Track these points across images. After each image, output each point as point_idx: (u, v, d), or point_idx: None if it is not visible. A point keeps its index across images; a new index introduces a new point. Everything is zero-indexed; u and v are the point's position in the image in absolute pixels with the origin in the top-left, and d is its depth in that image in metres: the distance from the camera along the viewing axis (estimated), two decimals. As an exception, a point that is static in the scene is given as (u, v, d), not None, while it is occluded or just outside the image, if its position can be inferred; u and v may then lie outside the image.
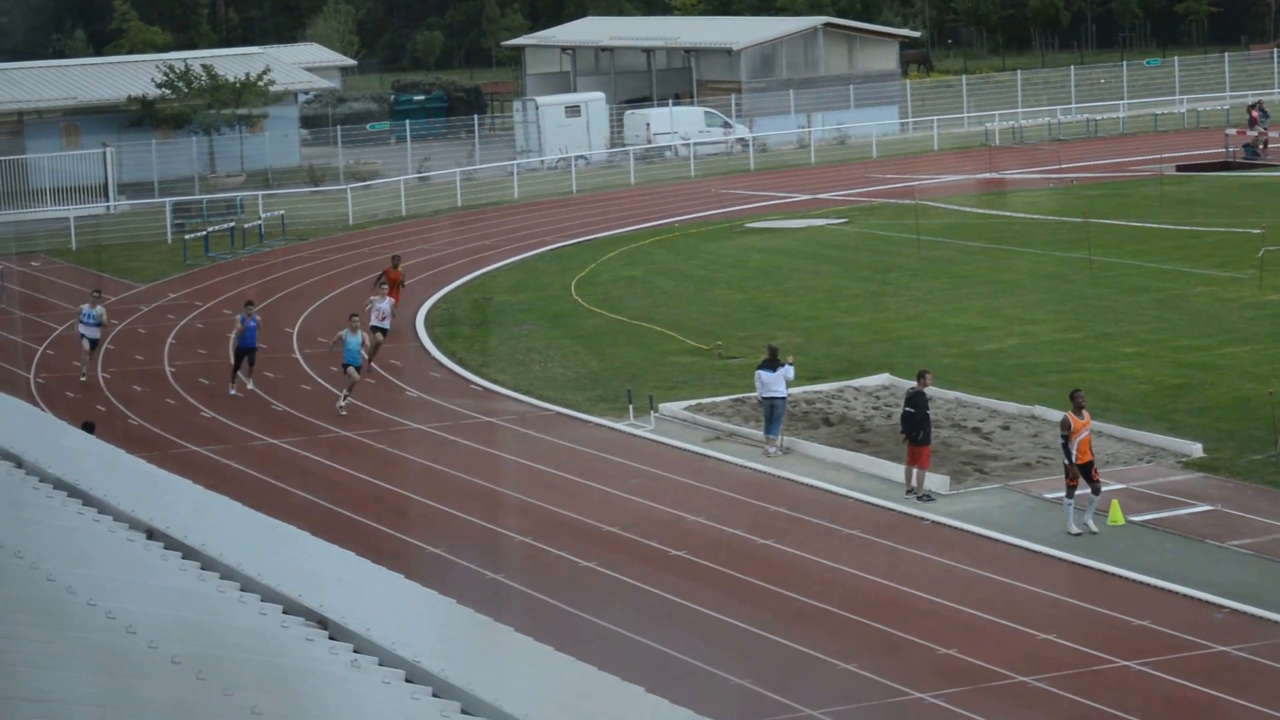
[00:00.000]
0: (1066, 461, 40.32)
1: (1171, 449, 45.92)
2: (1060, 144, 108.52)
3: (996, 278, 70.43)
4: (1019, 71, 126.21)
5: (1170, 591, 37.46)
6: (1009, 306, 64.42)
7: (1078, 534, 39.91)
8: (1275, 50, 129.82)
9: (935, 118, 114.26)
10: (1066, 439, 40.53)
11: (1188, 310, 62.20)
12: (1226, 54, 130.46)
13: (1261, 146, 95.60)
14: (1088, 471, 40.05)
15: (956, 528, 41.58)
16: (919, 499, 43.72)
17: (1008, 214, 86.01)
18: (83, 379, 50.80)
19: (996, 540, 40.77)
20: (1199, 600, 36.75)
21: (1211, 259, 70.85)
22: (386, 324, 54.63)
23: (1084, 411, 40.91)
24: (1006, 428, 49.03)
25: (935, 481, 44.18)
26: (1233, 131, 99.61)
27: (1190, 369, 53.94)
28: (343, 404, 48.24)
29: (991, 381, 53.44)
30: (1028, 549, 39.95)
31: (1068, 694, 32.94)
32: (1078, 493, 40.15)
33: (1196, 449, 45.43)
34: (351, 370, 47.76)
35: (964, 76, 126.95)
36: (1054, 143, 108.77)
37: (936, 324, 62.26)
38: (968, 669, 34.05)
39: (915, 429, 43.81)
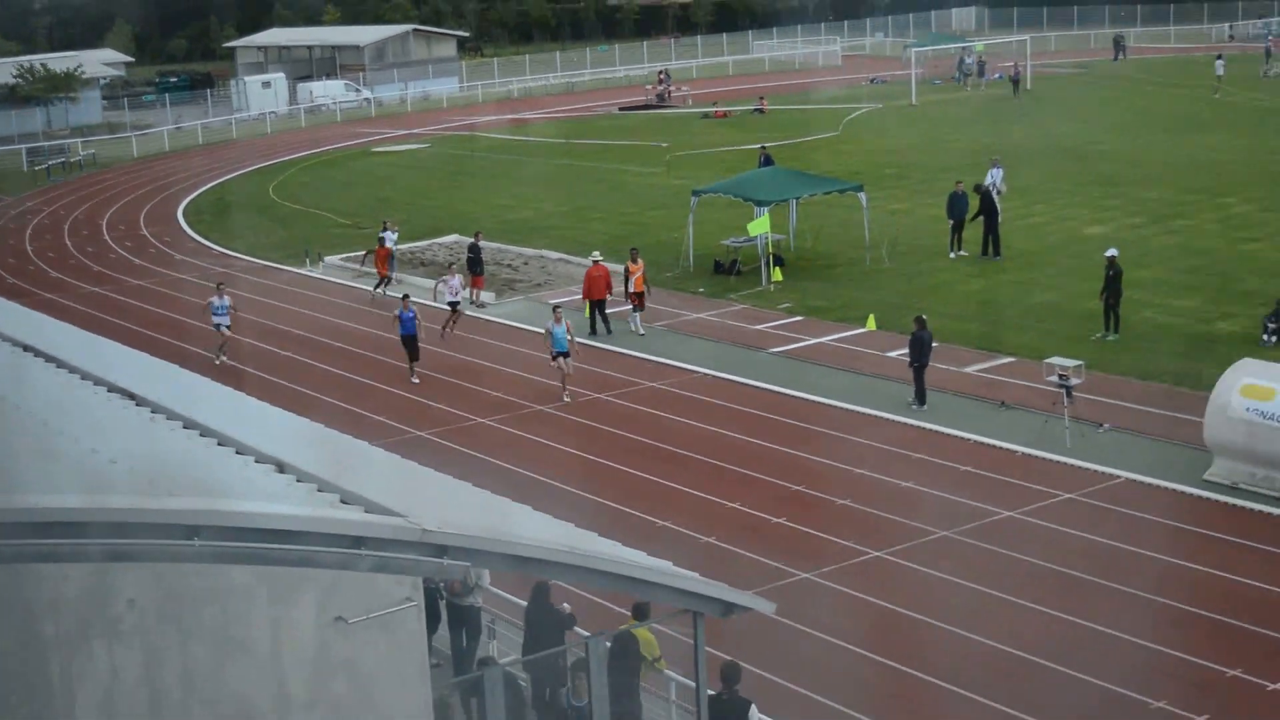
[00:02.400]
0: (629, 291, 39.91)
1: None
2: (552, 95, 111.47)
3: (518, 175, 71.43)
4: (527, 56, 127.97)
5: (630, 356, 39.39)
6: (526, 192, 65.66)
7: (640, 334, 39.66)
8: (673, 40, 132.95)
9: (480, 83, 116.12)
10: (625, 278, 40.05)
11: (627, 191, 64.33)
12: (645, 43, 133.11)
13: (666, 95, 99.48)
14: (640, 297, 39.83)
15: (500, 322, 42.74)
16: (477, 306, 44.08)
17: (525, 138, 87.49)
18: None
19: (520, 328, 41.55)
20: (659, 364, 38.48)
21: (640, 160, 72.14)
22: (459, 298, 41.32)
23: (638, 259, 40.06)
24: (526, 263, 50.67)
25: (487, 296, 45.08)
26: (649, 87, 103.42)
27: (631, 225, 55.58)
28: (566, 399, 34.44)
29: (517, 237, 54.55)
30: (537, 330, 39.07)
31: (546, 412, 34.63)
32: (633, 311, 39.84)
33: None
34: (563, 361, 34.20)
35: (495, 59, 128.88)
36: (551, 95, 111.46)
37: (484, 204, 63.28)
38: (508, 403, 35.24)
39: (476, 265, 44.58)
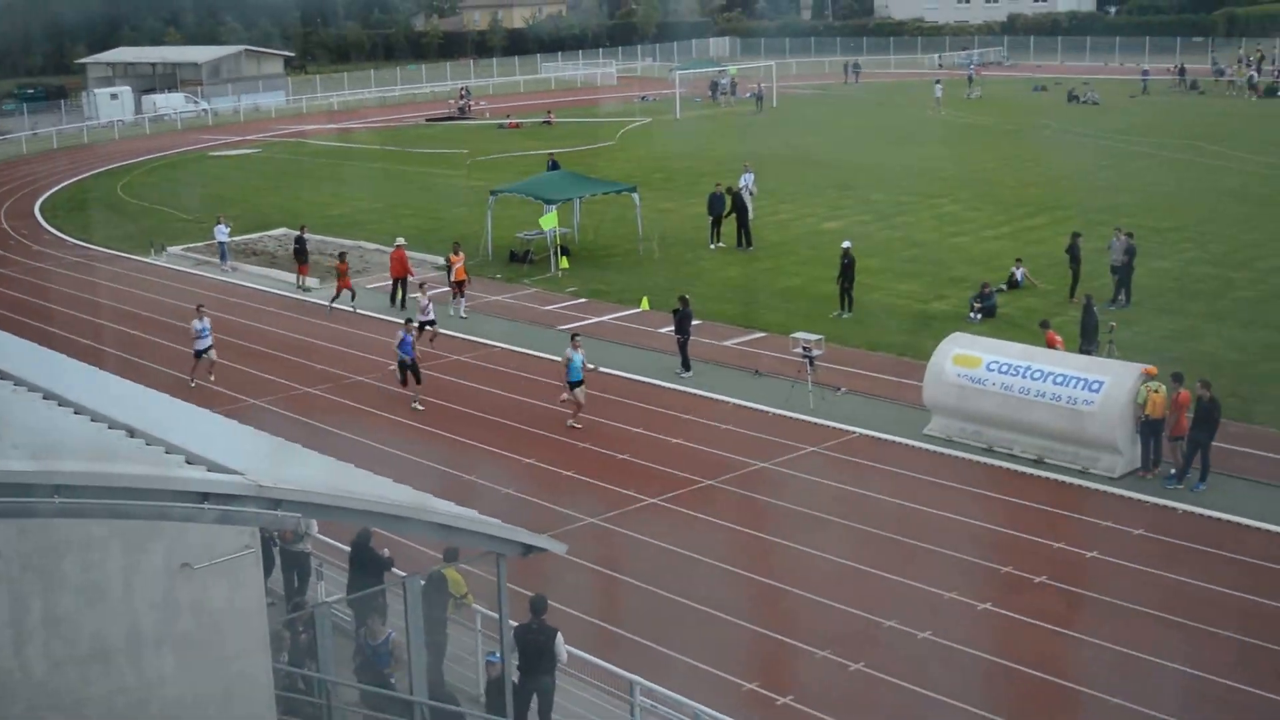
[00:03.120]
0: (451, 280, 39.28)
1: (431, 261, 45.52)
2: (368, 108, 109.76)
3: (338, 177, 69.55)
4: (345, 74, 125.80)
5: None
6: (346, 192, 64.08)
7: (463, 317, 38.70)
8: (472, 62, 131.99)
9: (304, 96, 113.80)
10: (448, 269, 39.71)
11: (434, 191, 63.15)
12: (448, 63, 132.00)
13: (466, 109, 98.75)
14: (460, 285, 39.21)
15: (319, 303, 41.54)
16: (303, 291, 43.61)
17: (345, 145, 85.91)
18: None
19: (349, 310, 40.57)
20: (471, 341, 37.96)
21: (444, 164, 71.20)
22: (432, 315, 36.04)
23: (459, 251, 39.57)
24: (346, 253, 48.84)
25: (312, 281, 43.98)
26: (452, 101, 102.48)
27: (437, 220, 54.80)
28: (574, 423, 29.64)
29: (338, 230, 53.25)
30: (369, 315, 40.38)
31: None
32: (455, 298, 39.12)
33: (440, 262, 44.17)
34: (578, 392, 29.41)
35: (317, 76, 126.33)
36: (366, 108, 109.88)
37: (309, 201, 61.35)
38: (333, 375, 35.43)
39: (301, 255, 43.66)
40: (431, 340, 35.53)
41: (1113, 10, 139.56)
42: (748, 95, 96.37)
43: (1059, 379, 26.89)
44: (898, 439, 28.51)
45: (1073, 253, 38.59)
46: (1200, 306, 37.74)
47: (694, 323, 33.57)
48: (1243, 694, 18.55)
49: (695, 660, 19.63)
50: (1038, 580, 21.93)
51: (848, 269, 37.72)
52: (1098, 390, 26.37)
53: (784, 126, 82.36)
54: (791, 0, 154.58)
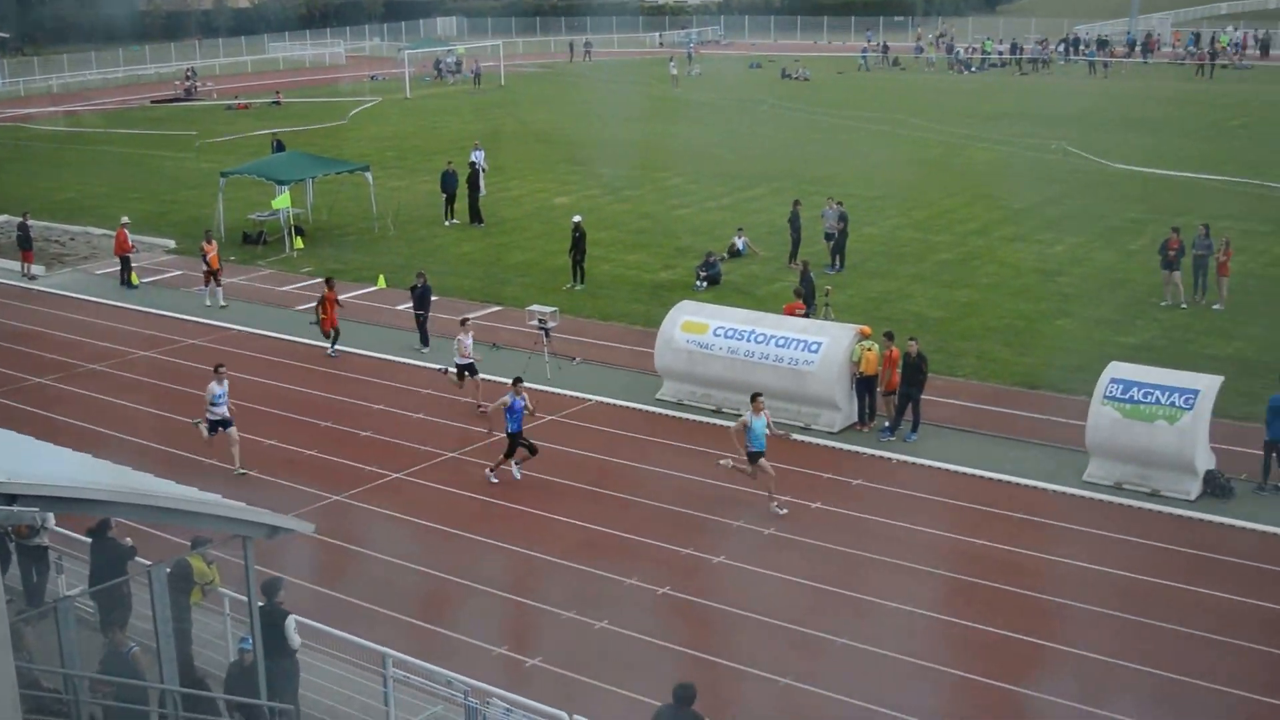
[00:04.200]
0: (205, 267, 37.06)
1: (160, 244, 44.79)
2: (90, 90, 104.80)
3: (63, 160, 65.27)
4: (65, 55, 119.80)
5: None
6: (71, 176, 60.16)
7: (223, 306, 36.89)
8: (197, 42, 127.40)
9: (22, 79, 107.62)
10: (203, 257, 37.03)
11: (163, 174, 60.16)
12: (173, 44, 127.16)
13: (193, 90, 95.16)
14: (215, 274, 37.02)
15: (52, 293, 40.02)
16: (28, 279, 41.24)
17: (69, 128, 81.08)
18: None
19: (71, 297, 39.68)
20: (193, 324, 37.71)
21: (172, 146, 67.41)
22: (471, 359, 28.85)
23: (212, 240, 37.53)
24: (73, 239, 46.93)
25: (38, 269, 41.66)
26: (178, 83, 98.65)
27: (167, 203, 52.53)
28: (778, 508, 23.21)
29: (64, 215, 50.46)
30: (102, 302, 39.07)
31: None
32: (212, 286, 37.08)
33: (171, 244, 44.95)
34: (764, 463, 23.15)
35: (35, 58, 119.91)
36: (89, 90, 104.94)
37: (32, 187, 56.88)
38: (64, 364, 34.14)
39: (25, 242, 40.89)
40: (474, 387, 28.86)
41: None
42: (468, 73, 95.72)
43: (781, 341, 27.66)
44: (632, 404, 28.91)
45: (793, 221, 39.68)
46: (907, 269, 39.22)
47: (433, 298, 33.32)
48: (959, 627, 19.51)
49: (448, 630, 19.61)
50: (767, 533, 22.58)
51: (579, 242, 37.99)
52: (816, 351, 27.21)
53: (513, 104, 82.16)
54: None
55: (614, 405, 28.96)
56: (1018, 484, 24.45)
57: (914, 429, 26.58)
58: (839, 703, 17.66)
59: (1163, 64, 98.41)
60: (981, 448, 26.04)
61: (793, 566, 21.42)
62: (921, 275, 38.54)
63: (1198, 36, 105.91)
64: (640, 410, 28.59)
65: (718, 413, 27.85)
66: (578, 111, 77.65)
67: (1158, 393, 23.97)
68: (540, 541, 22.44)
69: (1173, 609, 19.82)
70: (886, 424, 26.89)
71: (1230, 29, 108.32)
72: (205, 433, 25.80)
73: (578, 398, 29.33)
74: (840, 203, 39.57)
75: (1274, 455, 23.82)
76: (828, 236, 39.25)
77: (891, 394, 26.84)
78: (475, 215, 47.13)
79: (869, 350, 26.76)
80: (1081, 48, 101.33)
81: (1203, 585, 20.57)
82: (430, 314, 32.90)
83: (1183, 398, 23.79)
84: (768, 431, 23.27)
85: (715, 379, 27.91)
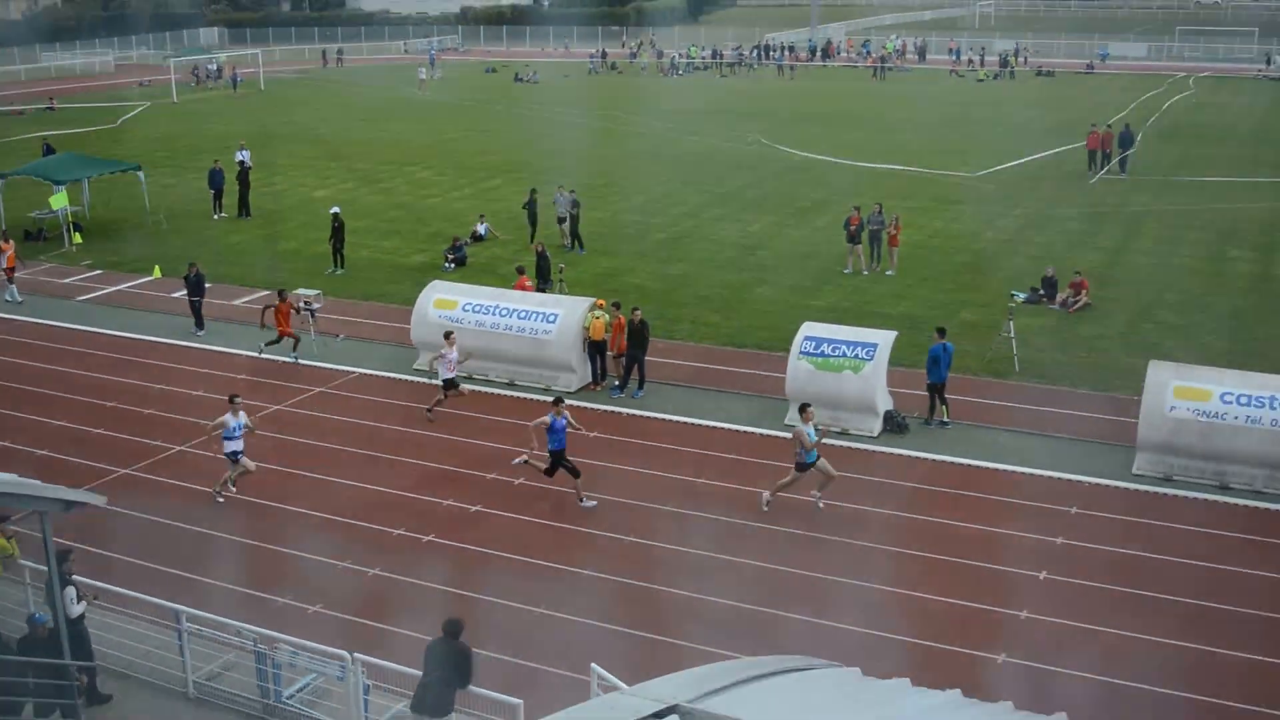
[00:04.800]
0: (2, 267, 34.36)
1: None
2: None
3: None
4: None
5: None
6: None
7: (19, 302, 34.20)
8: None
9: None
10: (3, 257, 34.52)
11: None
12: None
13: None
14: (12, 270, 34.69)
15: None
16: None
17: None
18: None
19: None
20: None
21: None
22: (455, 374, 25.81)
23: (9, 240, 35.41)
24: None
25: None
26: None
27: None
28: (819, 502, 21.42)
29: None
30: None
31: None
32: (8, 284, 34.55)
33: None
34: (822, 463, 21.06)
35: None
36: None
37: None
38: None
39: None
40: (441, 397, 25.77)
41: (546, 3, 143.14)
42: (229, 80, 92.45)
43: (522, 314, 27.79)
44: (391, 375, 28.60)
45: (530, 208, 39.72)
46: (629, 247, 39.72)
47: (206, 285, 32.26)
48: (669, 551, 19.97)
49: (235, 585, 19.17)
50: (517, 482, 22.63)
51: (338, 231, 37.30)
52: (554, 321, 27.42)
53: (273, 107, 79.60)
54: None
55: (377, 376, 28.60)
56: (731, 429, 25.14)
57: (640, 386, 27.06)
58: (580, 624, 17.96)
59: (839, 67, 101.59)
60: (700, 400, 26.67)
61: (541, 511, 21.62)
62: (642, 253, 39.10)
63: (868, 43, 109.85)
64: (401, 380, 28.32)
65: (469, 379, 27.68)
66: (333, 113, 75.73)
67: (844, 347, 24.99)
68: (318, 502, 22.02)
69: (859, 527, 20.73)
70: (616, 383, 27.31)
71: (894, 37, 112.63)
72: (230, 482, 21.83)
73: (344, 370, 28.86)
74: (572, 191, 39.74)
75: (936, 396, 25.11)
76: (560, 220, 39.44)
77: (620, 356, 27.25)
78: (243, 209, 45.70)
79: (597, 318, 27.10)
80: (771, 53, 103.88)
81: (887, 508, 21.57)
82: (204, 299, 31.86)
83: (865, 350, 24.86)
84: (817, 439, 20.92)
85: (467, 349, 27.75)
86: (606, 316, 27.26)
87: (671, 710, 7.28)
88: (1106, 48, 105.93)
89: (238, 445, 21.66)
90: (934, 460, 23.59)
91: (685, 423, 25.46)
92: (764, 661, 9.08)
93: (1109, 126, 53.37)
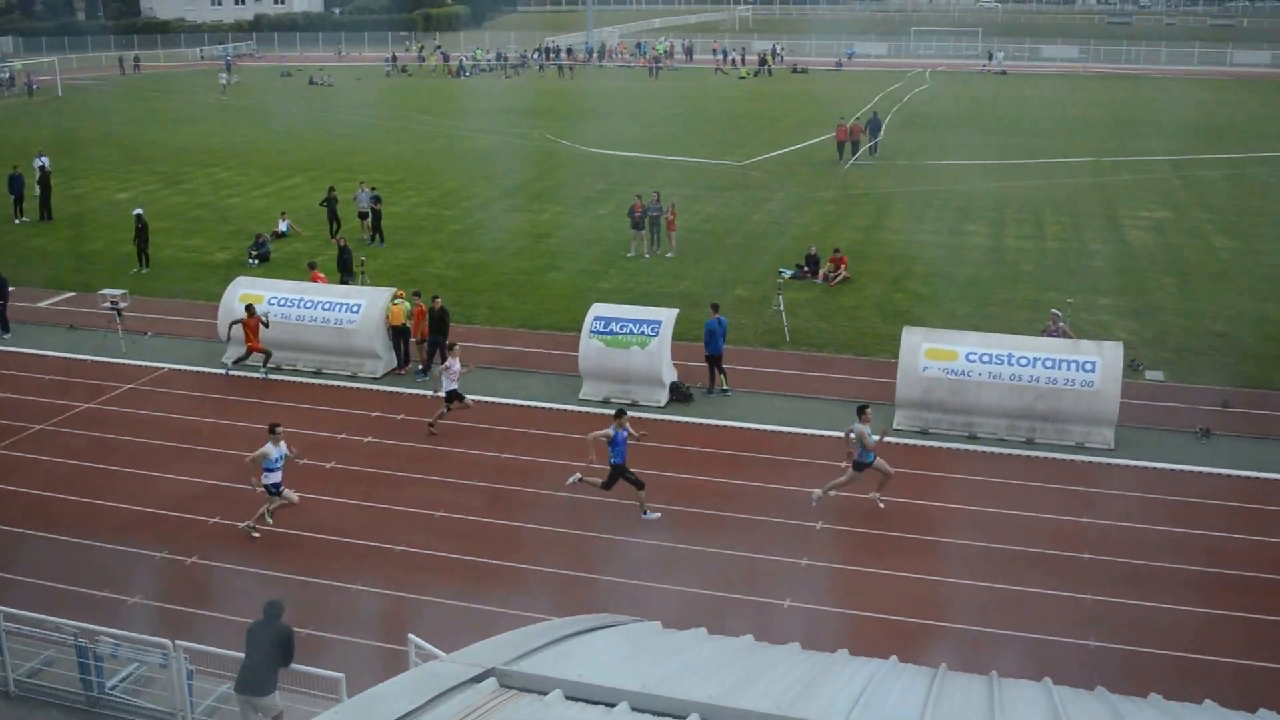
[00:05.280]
0: None
1: None
2: None
3: None
4: None
5: None
6: None
7: None
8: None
9: None
10: None
11: None
12: None
13: None
14: None
15: None
16: None
17: None
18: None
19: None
20: None
21: None
22: (456, 384, 23.34)
23: None
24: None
25: None
26: None
27: None
28: (879, 501, 20.04)
29: None
30: None
31: None
32: None
33: None
34: (880, 463, 19.66)
35: None
36: None
37: None
38: None
39: None
40: (441, 409, 23.46)
41: (338, 10, 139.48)
42: (25, 87, 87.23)
43: (326, 306, 27.05)
44: (200, 369, 27.46)
45: (329, 204, 38.68)
46: (426, 239, 39.08)
47: (10, 289, 30.38)
48: (483, 524, 19.64)
49: (53, 582, 18.01)
50: (329, 466, 21.97)
51: (142, 231, 35.64)
52: (358, 312, 26.76)
53: (73, 113, 75.41)
54: (66, 1, 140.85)
55: (184, 371, 27.38)
56: (531, 406, 24.95)
57: (425, 370, 26.65)
58: (397, 598, 17.56)
59: (616, 68, 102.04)
60: (500, 380, 26.36)
61: (352, 492, 21.04)
62: (439, 244, 38.51)
63: (641, 45, 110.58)
64: (211, 374, 27.18)
65: (279, 370, 26.84)
66: (133, 118, 72.27)
67: (631, 325, 25.07)
68: (134, 495, 20.94)
69: (652, 491, 20.83)
70: (420, 367, 26.80)
71: (663, 39, 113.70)
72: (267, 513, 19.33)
73: (152, 367, 27.54)
74: (373, 186, 38.94)
75: (715, 367, 25.45)
76: (362, 215, 38.57)
77: (423, 342, 26.74)
78: (45, 212, 43.14)
79: (395, 305, 26.59)
80: (552, 55, 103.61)
81: (677, 472, 21.76)
82: (8, 302, 29.98)
83: (650, 327, 24.99)
84: (877, 439, 19.62)
85: (273, 341, 26.89)
86: (407, 304, 26.74)
87: (489, 673, 7.14)
88: (853, 47, 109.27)
89: (278, 477, 18.87)
90: (717, 426, 23.91)
91: (488, 401, 25.11)
92: (575, 621, 9.02)
93: (857, 119, 55.04)
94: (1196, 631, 16.56)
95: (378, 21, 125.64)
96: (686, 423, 24.06)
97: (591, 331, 25.11)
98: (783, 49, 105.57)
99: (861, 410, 19.69)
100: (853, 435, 19.46)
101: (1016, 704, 7.58)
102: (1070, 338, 24.42)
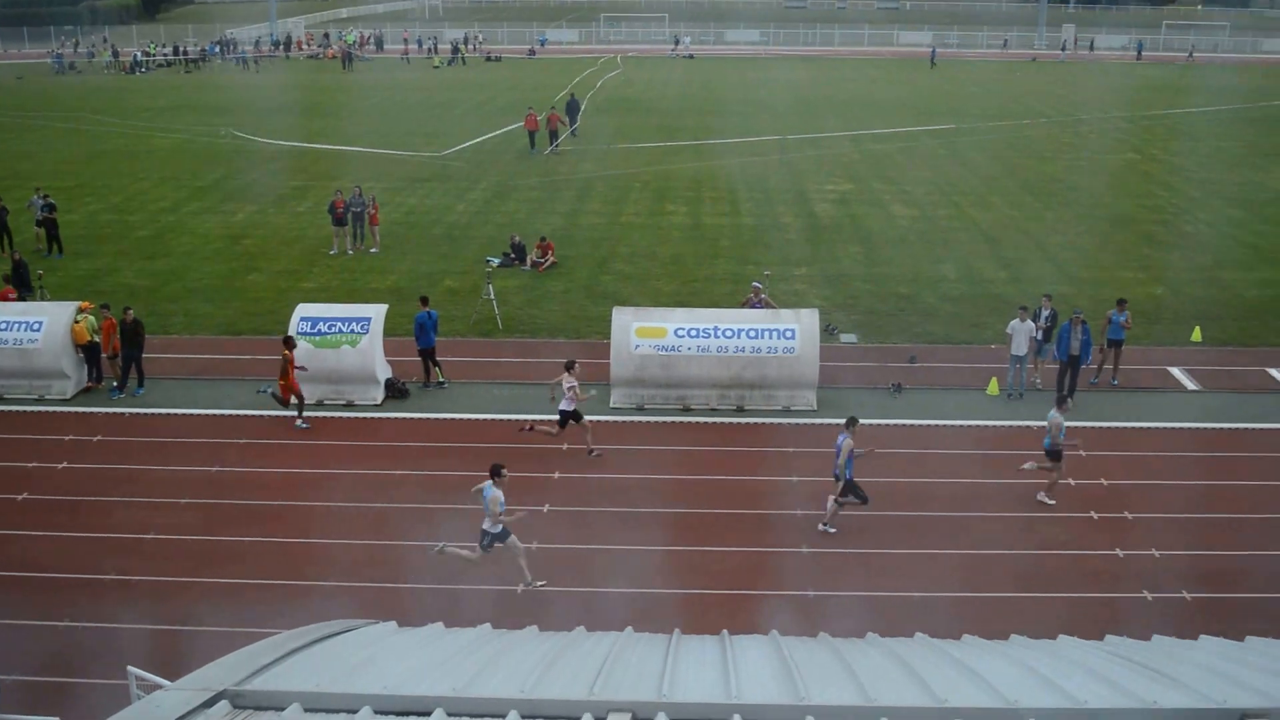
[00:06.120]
0: None
1: None
2: None
3: None
4: None
5: None
6: None
7: None
8: None
9: None
10: None
11: None
12: None
13: None
14: None
15: None
16: None
17: None
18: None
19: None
20: None
21: None
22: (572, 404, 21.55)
23: None
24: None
25: None
26: None
27: None
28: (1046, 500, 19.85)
29: None
30: None
31: None
32: None
33: None
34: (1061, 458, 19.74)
35: None
36: None
37: None
38: None
39: None
40: (583, 430, 21.83)
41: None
42: None
43: (4, 325, 25.22)
44: None
45: (-2, 217, 35.97)
46: (110, 247, 36.94)
47: None
48: (212, 543, 18.87)
49: None
50: (21, 499, 20.53)
51: None
52: (39, 329, 25.10)
53: None
54: None
55: None
56: (240, 415, 24.04)
57: (140, 384, 25.31)
58: (111, 630, 16.60)
59: (304, 59, 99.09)
60: (203, 391, 25.30)
61: (51, 524, 19.72)
62: (125, 251, 36.46)
63: (327, 35, 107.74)
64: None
65: (-46, 397, 24.90)
66: None
67: (339, 323, 24.54)
68: None
69: (377, 489, 20.50)
70: (115, 383, 25.34)
71: (352, 29, 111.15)
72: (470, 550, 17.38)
73: None
74: (46, 194, 36.43)
75: (428, 360, 25.27)
76: (38, 224, 36.03)
77: (115, 357, 25.30)
78: None
79: (77, 323, 25.08)
80: (233, 48, 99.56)
81: (398, 469, 21.44)
82: None
83: (359, 325, 24.55)
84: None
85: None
86: (93, 319, 25.20)
87: (220, 696, 6.88)
88: (545, 34, 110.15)
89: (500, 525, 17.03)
90: (436, 419, 23.75)
91: (193, 415, 24.04)
92: (307, 630, 8.80)
93: (554, 108, 55.57)
94: (920, 571, 17.74)
95: (38, 15, 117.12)
96: (405, 418, 23.80)
97: (299, 333, 24.43)
98: (476, 37, 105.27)
99: (1062, 400, 20.03)
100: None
101: (748, 656, 7.95)
102: (771, 307, 25.54)
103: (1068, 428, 20.06)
